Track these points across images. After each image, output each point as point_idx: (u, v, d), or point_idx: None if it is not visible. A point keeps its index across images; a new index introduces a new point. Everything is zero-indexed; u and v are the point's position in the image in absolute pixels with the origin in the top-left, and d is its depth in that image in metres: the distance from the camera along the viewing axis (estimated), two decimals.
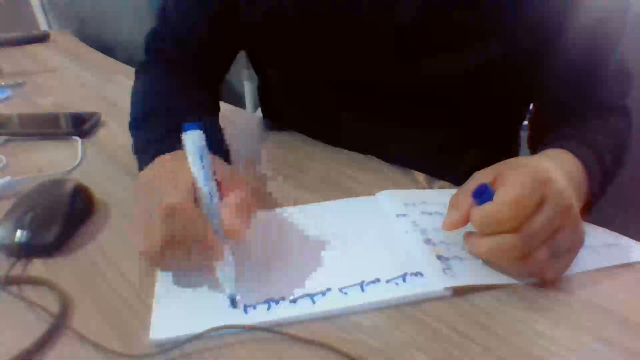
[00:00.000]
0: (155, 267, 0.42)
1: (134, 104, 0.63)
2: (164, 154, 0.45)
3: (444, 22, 0.56)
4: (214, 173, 0.40)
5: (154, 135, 0.55)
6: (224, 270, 0.38)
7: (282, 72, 0.70)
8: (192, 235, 0.37)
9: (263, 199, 0.53)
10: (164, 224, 0.36)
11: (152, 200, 0.38)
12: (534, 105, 0.68)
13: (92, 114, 0.77)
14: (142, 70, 0.69)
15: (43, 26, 1.68)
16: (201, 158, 0.39)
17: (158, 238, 0.36)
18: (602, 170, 0.51)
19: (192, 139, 0.39)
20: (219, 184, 0.41)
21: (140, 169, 0.50)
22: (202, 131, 0.39)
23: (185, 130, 0.39)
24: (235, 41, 0.69)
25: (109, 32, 1.57)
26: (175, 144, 0.41)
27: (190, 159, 0.39)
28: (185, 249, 0.37)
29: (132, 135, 0.59)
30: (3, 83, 0.97)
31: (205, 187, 0.39)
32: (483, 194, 0.39)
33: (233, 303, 0.38)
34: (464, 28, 0.56)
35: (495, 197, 0.38)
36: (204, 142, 0.39)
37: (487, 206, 0.38)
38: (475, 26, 0.56)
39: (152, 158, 0.45)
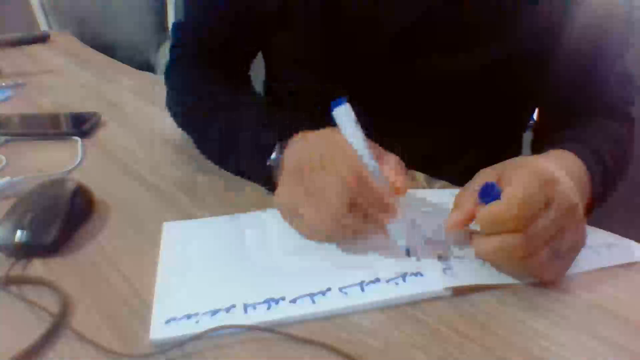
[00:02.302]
0: (331, 238, 0.45)
1: (199, 96, 0.64)
2: (296, 133, 0.48)
3: (450, 22, 0.56)
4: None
5: (273, 123, 0.55)
6: (396, 226, 0.42)
7: (290, 66, 0.70)
8: (374, 201, 0.41)
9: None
10: (348, 193, 0.40)
11: (326, 175, 0.41)
12: (537, 109, 0.69)
13: (92, 114, 0.77)
14: (183, 66, 0.70)
15: (43, 26, 1.68)
16: (358, 128, 0.42)
17: (347, 206, 0.40)
18: (603, 175, 0.51)
19: (345, 113, 0.42)
20: None
21: (266, 155, 0.50)
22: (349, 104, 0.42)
23: (335, 106, 0.42)
24: (256, 32, 0.69)
25: (109, 32, 1.58)
26: (298, 128, 0.48)
27: (348, 131, 0.42)
28: (362, 213, 0.41)
29: (213, 128, 0.59)
30: (3, 83, 0.97)
31: (367, 155, 0.42)
32: (489, 194, 0.39)
33: (408, 253, 0.43)
34: (469, 29, 0.56)
35: (501, 197, 0.38)
36: (353, 113, 0.42)
37: (494, 206, 0.38)
38: (481, 27, 0.56)
39: (283, 139, 0.48)
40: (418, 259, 0.42)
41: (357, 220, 0.42)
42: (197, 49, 0.68)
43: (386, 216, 0.42)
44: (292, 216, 0.45)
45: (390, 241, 0.43)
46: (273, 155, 0.49)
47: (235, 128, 0.56)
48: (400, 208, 0.42)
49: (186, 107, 0.66)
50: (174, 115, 0.68)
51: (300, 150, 0.45)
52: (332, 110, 0.42)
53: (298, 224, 0.45)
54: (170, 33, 0.72)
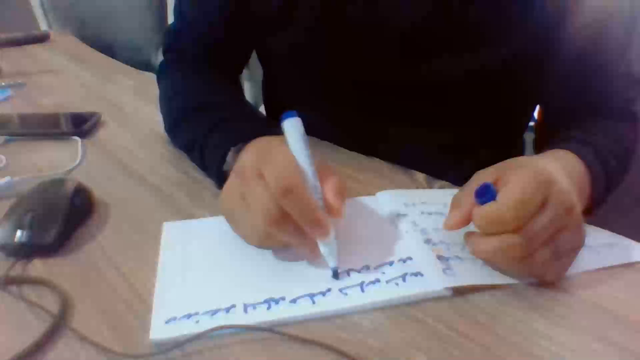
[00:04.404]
0: (262, 246, 0.44)
1: (182, 97, 0.64)
2: (250, 141, 0.47)
3: (452, 24, 0.56)
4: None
5: (235, 128, 0.55)
6: (327, 245, 0.41)
7: (289, 65, 0.70)
8: (302, 214, 0.39)
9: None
10: (279, 203, 0.39)
11: (261, 184, 0.40)
12: (540, 108, 0.69)
13: (92, 114, 0.77)
14: (170, 68, 0.70)
15: (43, 26, 1.68)
16: (304, 143, 0.42)
17: (272, 216, 0.39)
18: (605, 174, 0.51)
19: (294, 126, 0.42)
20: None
21: (219, 158, 0.51)
22: (300, 118, 0.42)
23: (285, 118, 0.42)
24: (251, 34, 0.69)
25: (109, 32, 1.57)
26: (254, 133, 0.47)
27: (293, 144, 0.42)
28: (293, 227, 0.40)
29: (191, 127, 0.60)
30: (3, 83, 0.97)
31: (309, 170, 0.41)
32: (485, 194, 0.39)
33: (335, 275, 0.41)
34: (471, 31, 0.57)
35: (497, 197, 0.38)
36: (303, 128, 0.42)
37: (490, 206, 0.38)
38: (482, 29, 0.56)
39: (234, 146, 0.48)
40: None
41: (285, 233, 0.40)
42: (190, 54, 0.69)
43: (316, 234, 0.40)
44: (230, 220, 0.45)
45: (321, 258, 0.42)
46: (227, 160, 0.50)
47: (199, 131, 0.57)
48: (332, 228, 0.40)
49: (168, 112, 0.66)
50: (163, 119, 0.68)
51: (246, 156, 0.45)
52: (282, 122, 0.42)
53: (235, 229, 0.45)
54: (164, 36, 0.72)
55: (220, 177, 0.52)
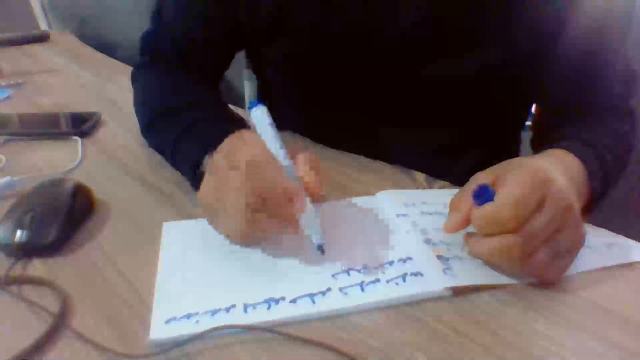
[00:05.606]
0: (243, 239, 0.44)
1: (153, 100, 0.63)
2: (225, 137, 0.47)
3: (448, 26, 0.56)
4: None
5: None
6: (309, 221, 0.41)
7: (284, 73, 0.69)
8: (276, 189, 0.40)
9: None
10: (249, 179, 0.39)
11: (234, 174, 0.41)
12: (537, 107, 0.69)
13: (92, 114, 0.77)
14: (145, 71, 0.69)
15: (43, 26, 1.68)
16: (271, 127, 0.44)
17: (248, 200, 0.39)
18: (603, 172, 0.51)
19: (261, 113, 0.44)
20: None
21: (196, 155, 0.51)
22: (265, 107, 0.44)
23: (251, 108, 0.44)
24: (234, 42, 0.69)
25: (109, 32, 1.57)
26: (229, 131, 0.46)
27: (262, 129, 0.44)
28: (270, 207, 0.40)
29: (163, 130, 0.59)
30: (3, 83, 0.97)
31: (280, 152, 0.43)
32: (483, 195, 0.39)
33: (321, 250, 0.41)
34: (467, 33, 0.57)
35: (495, 198, 0.38)
36: (269, 114, 0.45)
37: (488, 207, 0.38)
38: (479, 31, 0.56)
39: (213, 145, 0.47)
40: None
41: (265, 218, 0.41)
42: (171, 57, 0.67)
43: (293, 208, 0.41)
44: (210, 218, 0.45)
45: (306, 243, 0.42)
46: (203, 163, 0.50)
47: (175, 133, 0.56)
48: (309, 204, 0.41)
49: (144, 113, 0.65)
50: (139, 121, 0.67)
51: (218, 155, 0.45)
52: (249, 111, 0.44)
53: (215, 225, 0.45)
54: (142, 38, 0.71)
55: (195, 180, 0.51)
